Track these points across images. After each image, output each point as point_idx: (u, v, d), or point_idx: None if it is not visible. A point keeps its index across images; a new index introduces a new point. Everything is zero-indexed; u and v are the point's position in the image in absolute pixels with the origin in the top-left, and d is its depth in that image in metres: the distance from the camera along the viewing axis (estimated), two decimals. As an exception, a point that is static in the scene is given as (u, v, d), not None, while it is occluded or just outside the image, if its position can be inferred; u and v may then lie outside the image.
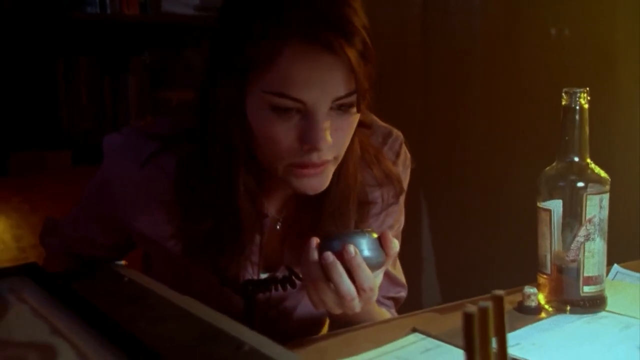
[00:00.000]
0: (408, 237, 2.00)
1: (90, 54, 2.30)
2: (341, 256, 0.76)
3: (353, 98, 0.78)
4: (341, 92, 0.77)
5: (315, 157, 0.78)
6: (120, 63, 2.33)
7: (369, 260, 0.77)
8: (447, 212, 2.01)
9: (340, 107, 0.78)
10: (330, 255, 0.76)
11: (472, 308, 0.39)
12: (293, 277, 0.86)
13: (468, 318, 0.38)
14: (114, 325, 0.48)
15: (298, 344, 0.84)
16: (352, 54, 0.75)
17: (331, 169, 0.82)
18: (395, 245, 0.78)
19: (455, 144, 1.97)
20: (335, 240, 0.77)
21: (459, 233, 1.96)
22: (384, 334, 0.85)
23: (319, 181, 0.81)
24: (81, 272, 0.63)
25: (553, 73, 1.68)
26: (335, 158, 0.81)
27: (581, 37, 1.67)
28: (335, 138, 0.79)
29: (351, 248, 0.75)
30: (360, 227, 0.90)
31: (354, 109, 0.79)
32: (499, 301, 0.40)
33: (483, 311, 0.39)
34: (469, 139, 1.93)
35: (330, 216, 0.87)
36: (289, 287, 0.87)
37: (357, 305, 0.77)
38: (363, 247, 0.77)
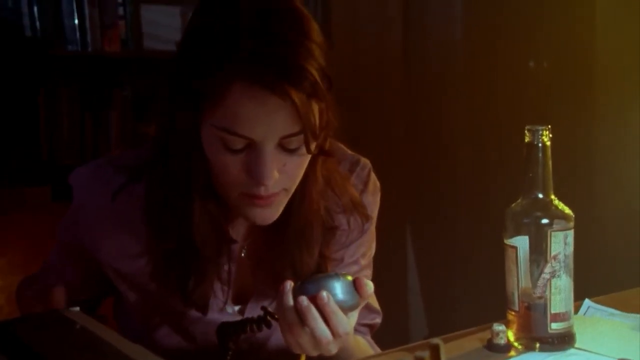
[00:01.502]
0: (393, 268, 1.99)
1: (71, 88, 2.31)
2: (315, 299, 0.76)
3: (302, 137, 0.79)
4: (288, 131, 0.78)
5: (262, 190, 0.80)
6: (101, 97, 2.34)
7: (344, 304, 0.78)
8: (433, 242, 2.01)
9: (289, 145, 0.79)
10: (304, 300, 0.77)
11: (408, 358, 0.38)
12: (268, 318, 0.86)
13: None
14: (54, 378, 0.47)
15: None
16: (298, 97, 0.76)
17: (283, 201, 0.83)
18: (370, 287, 0.79)
19: (440, 173, 1.98)
20: (310, 284, 0.79)
21: (445, 264, 1.96)
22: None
23: (269, 212, 0.83)
24: (31, 319, 0.63)
25: (533, 98, 1.70)
26: (286, 190, 0.83)
27: (559, 67, 1.70)
28: (283, 173, 0.80)
29: (324, 294, 0.76)
30: (327, 253, 0.91)
31: (304, 149, 0.80)
32: (435, 350, 0.40)
33: (419, 361, 0.39)
34: (454, 166, 1.94)
35: (295, 242, 0.88)
36: (264, 327, 0.87)
37: (333, 348, 0.78)
38: (337, 291, 0.78)
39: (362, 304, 0.81)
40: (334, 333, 0.77)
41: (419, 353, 0.38)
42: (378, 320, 1.02)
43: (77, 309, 0.66)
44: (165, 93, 0.84)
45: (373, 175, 0.98)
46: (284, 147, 0.79)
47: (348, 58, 1.82)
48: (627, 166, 1.56)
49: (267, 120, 0.77)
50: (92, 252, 0.91)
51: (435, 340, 0.39)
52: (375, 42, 1.95)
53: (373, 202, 0.97)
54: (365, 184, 0.96)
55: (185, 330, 0.93)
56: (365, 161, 0.98)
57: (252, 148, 0.79)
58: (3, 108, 2.18)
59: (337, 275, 0.79)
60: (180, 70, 0.81)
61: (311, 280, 0.79)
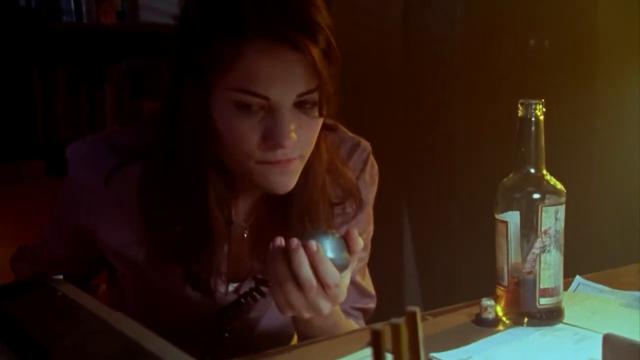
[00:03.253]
0: (390, 248, 1.99)
1: (66, 63, 2.29)
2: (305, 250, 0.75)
3: (316, 96, 0.78)
4: (305, 87, 0.77)
5: (280, 155, 0.79)
6: (97, 72, 2.32)
7: (334, 262, 0.76)
8: (430, 222, 2.01)
9: (305, 105, 0.78)
10: (294, 241, 0.75)
11: (380, 325, 0.38)
12: (260, 287, 0.85)
13: (375, 336, 0.37)
14: (28, 343, 0.47)
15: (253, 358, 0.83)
16: (315, 51, 0.75)
17: (298, 167, 0.82)
18: (360, 243, 0.78)
19: (437, 152, 1.97)
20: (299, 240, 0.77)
21: (441, 243, 1.96)
22: (339, 348, 0.84)
23: (287, 179, 0.81)
24: (14, 287, 0.62)
25: (533, 83, 1.69)
26: (301, 156, 0.81)
27: (560, 47, 1.68)
28: (299, 135, 0.79)
29: (312, 243, 0.75)
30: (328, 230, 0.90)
31: (316, 112, 0.79)
32: (412, 317, 0.39)
33: (395, 328, 0.39)
34: (450, 148, 1.93)
35: (300, 220, 0.87)
36: (258, 297, 0.86)
37: (323, 305, 0.76)
38: (327, 248, 0.76)
39: (354, 263, 0.79)
40: (322, 285, 0.75)
41: (394, 319, 0.38)
42: (372, 305, 1.01)
43: (60, 276, 0.65)
44: (170, 68, 0.82)
45: (372, 159, 0.97)
46: (299, 107, 0.78)
47: (347, 32, 1.81)
48: (624, 143, 1.55)
49: (284, 77, 0.76)
50: (88, 232, 0.90)
51: (413, 308, 0.39)
52: (375, 19, 1.93)
53: (370, 184, 0.97)
54: (364, 166, 0.96)
55: (181, 309, 0.92)
56: (365, 144, 0.97)
57: (268, 110, 0.77)
58: (-2, 81, 2.17)
59: (326, 233, 0.77)
60: (185, 39, 0.80)
61: (300, 237, 0.77)
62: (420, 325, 0.40)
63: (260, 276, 0.86)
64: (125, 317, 0.57)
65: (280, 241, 0.76)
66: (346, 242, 0.77)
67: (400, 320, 0.39)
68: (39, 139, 2.21)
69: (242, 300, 0.87)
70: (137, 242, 0.87)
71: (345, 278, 0.78)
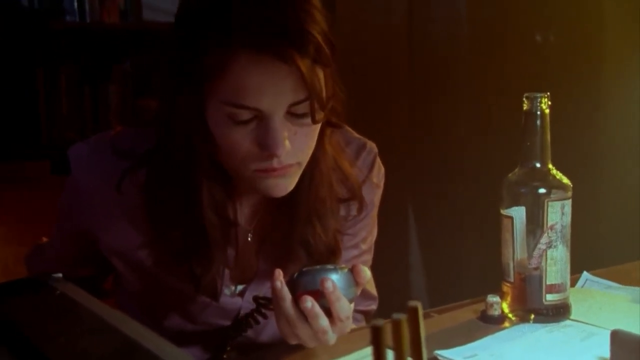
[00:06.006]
0: (395, 245, 1.98)
1: (70, 62, 2.28)
2: (315, 294, 0.75)
3: (309, 104, 0.76)
4: (295, 98, 0.76)
5: (275, 163, 0.78)
6: (101, 72, 2.32)
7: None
8: (436, 218, 1.99)
9: (297, 112, 0.77)
10: (308, 301, 0.75)
11: (380, 321, 0.37)
12: (262, 310, 0.85)
13: (376, 331, 0.36)
14: (25, 342, 0.46)
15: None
16: (303, 63, 0.73)
17: (297, 172, 0.81)
18: (367, 274, 0.78)
19: (442, 151, 1.96)
20: (306, 277, 0.76)
21: (447, 240, 1.95)
22: (342, 346, 0.83)
23: (284, 183, 0.80)
24: (12, 285, 0.62)
25: (539, 79, 1.67)
26: (299, 163, 0.80)
27: (566, 42, 1.67)
28: (294, 143, 0.78)
29: (329, 283, 0.75)
30: (342, 228, 0.89)
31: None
32: (413, 313, 0.38)
33: (396, 324, 0.38)
34: (456, 146, 1.92)
35: (307, 220, 0.86)
36: (260, 319, 0.87)
37: (331, 338, 0.77)
38: (337, 285, 0.75)
39: (359, 292, 0.80)
40: (335, 319, 0.76)
41: (395, 314, 0.37)
42: (374, 306, 1.01)
43: (60, 275, 0.65)
44: (165, 73, 0.81)
45: (378, 161, 0.96)
46: (292, 116, 0.77)
47: (352, 36, 1.80)
48: (630, 137, 1.53)
49: (274, 89, 0.75)
50: (91, 233, 0.89)
51: (414, 303, 0.38)
52: (381, 20, 1.92)
53: (376, 187, 0.96)
54: (370, 169, 0.95)
55: (185, 311, 0.91)
56: (371, 145, 0.96)
57: (261, 119, 0.76)
58: (2, 81, 2.16)
59: (334, 268, 0.77)
60: (179, 47, 0.79)
61: (306, 272, 0.76)
62: (422, 320, 0.39)
63: (262, 294, 0.86)
64: (124, 315, 0.56)
65: (279, 275, 0.76)
66: (353, 276, 0.77)
67: (401, 316, 0.38)
68: (43, 138, 2.21)
69: (244, 321, 0.87)
70: (142, 245, 0.86)
71: (351, 309, 0.79)
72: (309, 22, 0.75)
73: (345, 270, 0.77)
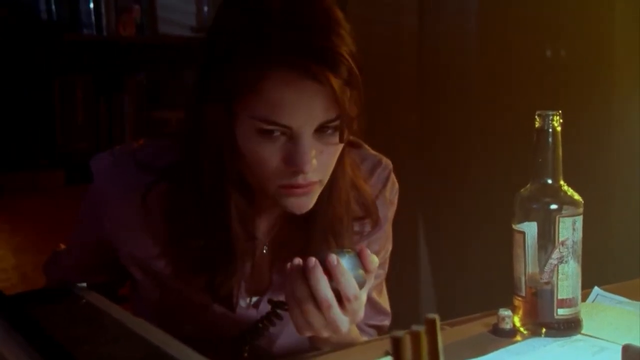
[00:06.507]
0: (406, 258, 1.98)
1: (86, 73, 2.32)
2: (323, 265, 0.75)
3: (336, 124, 0.79)
4: (326, 117, 0.78)
5: (301, 179, 0.80)
6: (116, 83, 2.35)
7: None
8: (445, 232, 2.00)
9: (326, 131, 0.79)
10: (312, 260, 0.75)
11: (400, 332, 0.38)
12: (278, 310, 0.86)
13: (396, 342, 0.38)
14: (56, 349, 0.48)
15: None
16: (336, 83, 0.76)
17: (317, 190, 0.83)
18: (374, 260, 0.78)
19: (453, 162, 1.97)
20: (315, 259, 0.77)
21: (458, 253, 1.95)
22: (357, 356, 0.84)
23: (305, 201, 0.82)
24: (39, 293, 0.63)
25: (550, 92, 1.68)
26: (321, 181, 0.82)
27: (578, 57, 1.68)
28: (320, 161, 0.80)
29: (333, 257, 0.76)
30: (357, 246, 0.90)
31: (337, 137, 0.80)
32: (431, 325, 0.40)
33: (415, 335, 0.39)
34: (467, 157, 1.93)
35: (323, 237, 0.87)
36: (275, 321, 0.88)
37: (342, 322, 0.76)
38: (343, 265, 0.76)
39: (370, 280, 0.79)
40: (342, 298, 0.75)
41: (414, 326, 0.38)
42: (387, 322, 1.02)
43: (84, 284, 0.67)
44: (195, 90, 0.82)
45: (393, 177, 0.98)
46: (320, 134, 0.79)
47: (362, 48, 1.82)
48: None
49: (306, 108, 0.77)
50: (111, 242, 0.90)
51: (432, 315, 0.39)
52: (390, 28, 1.94)
53: (390, 203, 0.97)
54: (385, 185, 0.97)
55: (200, 321, 0.92)
56: (387, 162, 0.98)
57: (290, 137, 0.78)
58: (18, 92, 2.20)
59: (342, 250, 0.78)
60: (211, 61, 0.80)
61: (315, 256, 0.77)
62: (439, 332, 0.40)
63: (276, 299, 0.87)
64: (147, 323, 0.57)
65: (297, 262, 0.77)
66: (361, 260, 0.78)
67: (420, 328, 0.40)
68: (58, 148, 2.24)
69: (260, 324, 0.88)
70: (162, 255, 0.88)
71: (363, 295, 0.79)
72: (341, 45, 0.77)
73: (352, 253, 0.78)
